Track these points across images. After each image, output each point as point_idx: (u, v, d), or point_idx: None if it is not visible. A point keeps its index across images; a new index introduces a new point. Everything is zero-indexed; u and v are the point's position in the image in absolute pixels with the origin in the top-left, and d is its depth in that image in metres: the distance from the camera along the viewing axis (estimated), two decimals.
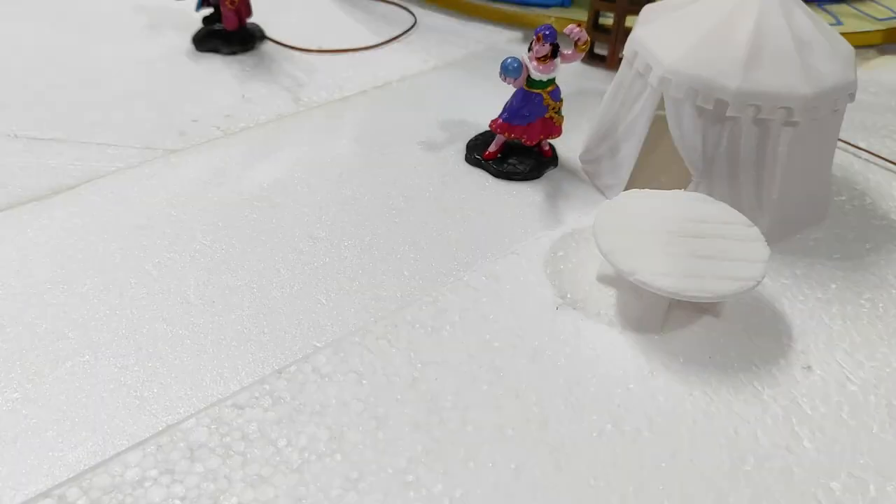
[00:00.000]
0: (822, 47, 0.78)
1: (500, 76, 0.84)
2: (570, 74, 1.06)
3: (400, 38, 1.16)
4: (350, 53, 1.12)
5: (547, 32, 0.83)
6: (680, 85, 0.77)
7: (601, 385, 0.67)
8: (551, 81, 0.86)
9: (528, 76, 0.85)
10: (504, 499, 0.59)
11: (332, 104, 1.01)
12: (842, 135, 0.99)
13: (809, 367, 0.70)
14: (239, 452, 0.60)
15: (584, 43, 0.84)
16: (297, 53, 1.11)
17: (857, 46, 1.20)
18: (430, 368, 0.68)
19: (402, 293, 0.74)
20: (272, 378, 0.66)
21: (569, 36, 0.84)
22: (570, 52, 0.85)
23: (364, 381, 0.66)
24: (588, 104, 1.03)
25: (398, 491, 0.59)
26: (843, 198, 0.90)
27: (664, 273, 0.69)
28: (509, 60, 0.83)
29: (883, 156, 0.96)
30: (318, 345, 0.69)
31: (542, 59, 0.84)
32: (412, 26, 1.20)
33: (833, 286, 0.79)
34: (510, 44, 1.17)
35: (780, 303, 0.76)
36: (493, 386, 0.67)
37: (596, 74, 1.11)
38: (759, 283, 0.69)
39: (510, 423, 0.64)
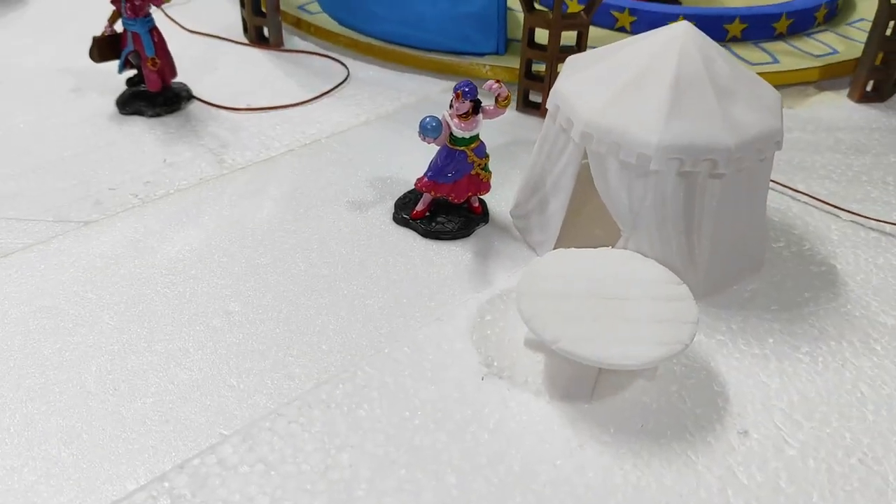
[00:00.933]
0: (745, 96, 0.76)
1: (420, 136, 0.82)
2: (505, 123, 1.04)
3: (332, 93, 1.14)
4: (280, 110, 1.09)
5: (466, 89, 0.80)
6: (601, 140, 0.75)
7: (526, 462, 0.64)
8: (475, 138, 0.84)
9: (451, 133, 0.83)
10: None
11: (257, 165, 0.97)
12: (780, 177, 0.97)
13: (746, 432, 0.67)
14: None
15: (505, 99, 0.82)
16: (224, 113, 1.08)
17: (794, 84, 1.20)
18: (344, 454, 0.64)
19: (319, 370, 0.70)
20: (172, 473, 0.61)
21: (489, 91, 0.81)
22: (491, 107, 0.83)
23: (272, 472, 0.62)
24: (521, 154, 1.00)
25: None
26: (781, 244, 0.88)
27: (588, 339, 0.65)
28: (427, 119, 0.81)
29: (821, 198, 0.94)
30: (225, 433, 0.65)
31: (463, 117, 0.81)
32: (345, 79, 1.17)
33: (770, 340, 0.76)
34: (444, 94, 1.15)
35: (715, 361, 0.73)
36: (411, 469, 0.63)
37: (530, 123, 1.09)
38: (687, 346, 0.66)
39: None
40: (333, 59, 1.23)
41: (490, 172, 0.87)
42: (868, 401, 0.70)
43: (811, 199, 0.94)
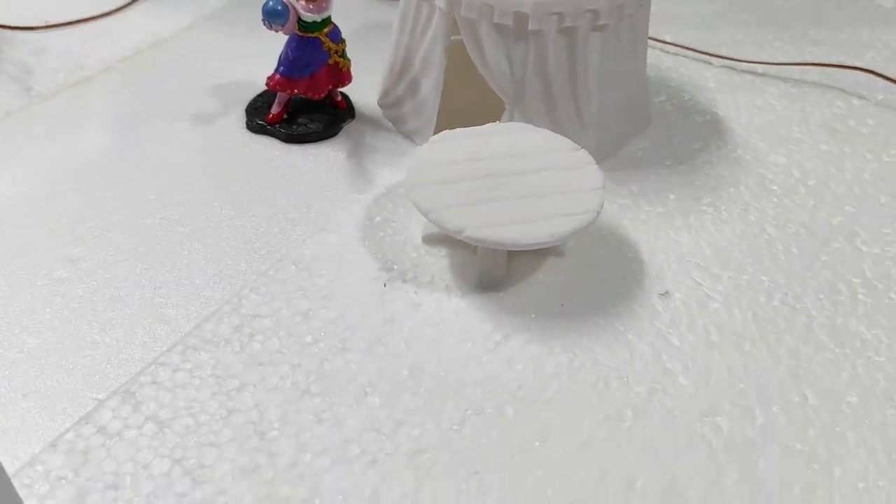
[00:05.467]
0: None
1: (264, 23, 0.71)
2: (349, 7, 0.94)
3: None
4: (86, 24, 0.94)
5: None
6: (472, 4, 0.67)
7: (449, 366, 0.58)
8: (327, 21, 0.74)
9: (299, 20, 0.72)
10: None
11: (72, 89, 0.83)
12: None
13: (667, 293, 0.64)
14: None
15: None
16: (20, 34, 0.92)
17: None
18: (245, 393, 0.55)
19: (197, 307, 0.61)
20: (45, 455, 0.51)
21: None
22: None
23: (166, 430, 0.53)
24: (377, 40, 0.91)
25: None
26: (662, 98, 0.84)
27: (495, 223, 0.59)
28: (271, 4, 0.70)
29: (689, 46, 0.91)
30: (100, 397, 0.55)
31: None
32: None
33: (671, 197, 0.72)
34: None
35: (622, 226, 0.69)
36: (327, 397, 0.55)
37: (379, 5, 0.99)
38: (598, 214, 0.61)
39: (355, 440, 0.53)
40: None
41: (349, 60, 0.77)
42: (776, 241, 0.69)
43: (681, 48, 0.91)
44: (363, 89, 0.82)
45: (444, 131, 0.68)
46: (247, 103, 0.81)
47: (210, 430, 0.53)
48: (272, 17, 0.70)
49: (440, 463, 0.52)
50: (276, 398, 0.55)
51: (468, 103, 0.76)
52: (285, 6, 0.70)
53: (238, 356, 0.57)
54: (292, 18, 0.72)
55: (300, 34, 0.73)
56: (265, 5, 0.70)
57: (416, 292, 0.63)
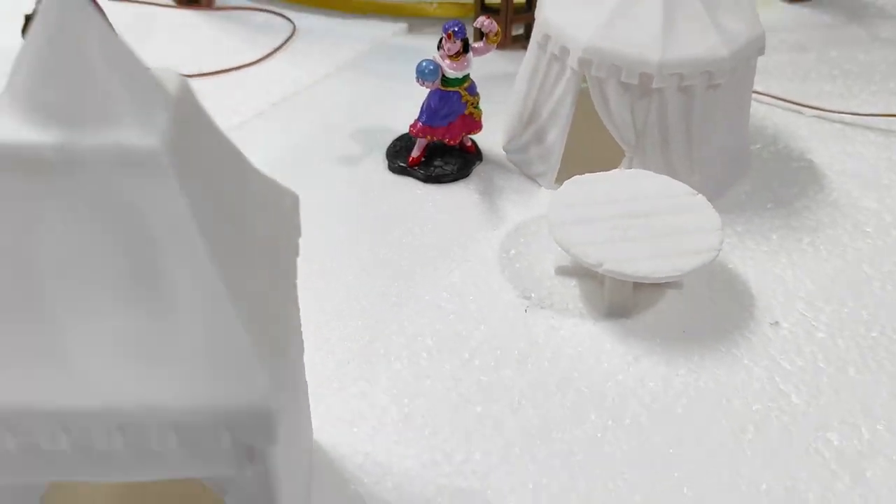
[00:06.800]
0: (727, 5, 0.79)
1: (417, 81, 0.81)
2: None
3: (283, 48, 1.11)
4: (232, 73, 1.05)
5: (456, 29, 0.80)
6: (601, 64, 0.77)
7: (591, 382, 0.67)
8: (466, 77, 0.84)
9: (443, 75, 0.83)
10: None
11: (230, 134, 0.94)
12: None
13: (777, 323, 0.72)
14: None
15: (496, 34, 0.82)
16: None
17: None
18: (418, 403, 0.65)
19: (362, 324, 0.71)
20: None
21: (479, 29, 0.82)
22: (481, 45, 0.83)
23: (354, 429, 0.62)
24: (494, 89, 1.00)
25: None
26: (759, 145, 0.93)
27: (629, 259, 0.68)
28: (425, 63, 0.80)
29: (780, 96, 1.00)
30: None
31: (454, 57, 0.81)
32: (292, 33, 1.14)
33: (774, 237, 0.81)
34: (397, 37, 1.14)
35: (732, 263, 0.78)
36: (487, 406, 0.65)
37: (492, 56, 1.09)
38: (719, 252, 0.70)
39: (516, 442, 0.62)
40: (273, 12, 1.19)
41: (481, 111, 0.87)
42: (873, 278, 0.76)
43: (773, 99, 1.00)
44: (485, 136, 0.92)
45: (574, 176, 0.77)
46: (385, 147, 0.91)
47: (394, 430, 0.62)
48: (427, 76, 0.80)
49: (590, 464, 0.61)
50: (444, 406, 0.64)
51: (589, 150, 0.86)
52: (437, 66, 0.80)
53: (408, 371, 0.67)
54: (439, 75, 0.82)
55: (442, 88, 0.84)
56: (420, 66, 0.80)
57: (553, 317, 0.72)
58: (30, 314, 0.36)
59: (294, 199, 0.48)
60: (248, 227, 0.42)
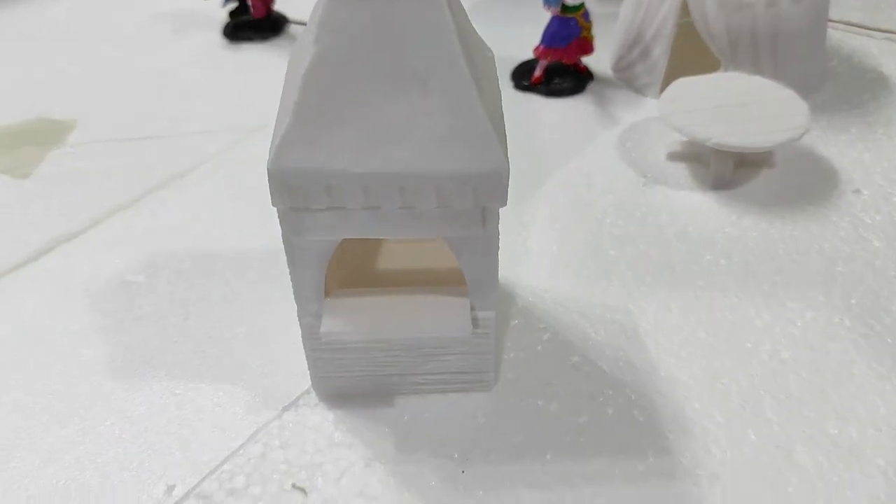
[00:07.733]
0: None
1: (544, 6, 0.97)
2: None
3: None
4: None
5: None
6: None
7: (703, 232, 0.81)
8: (582, 5, 0.99)
9: (563, 3, 0.98)
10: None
11: None
12: None
13: (858, 191, 0.86)
14: None
15: None
16: None
17: None
18: (566, 248, 0.80)
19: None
20: None
21: None
22: None
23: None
24: (596, 20, 1.16)
25: None
26: (834, 62, 1.06)
27: (733, 134, 0.83)
28: None
29: (853, 22, 1.13)
30: None
31: None
32: None
33: (853, 129, 0.94)
34: None
35: (816, 147, 0.92)
36: (619, 250, 0.80)
37: None
38: (807, 130, 0.84)
39: (645, 276, 0.77)
40: None
41: (594, 35, 1.03)
42: None
43: (847, 25, 1.13)
44: (593, 59, 1.07)
45: (679, 78, 0.92)
46: (510, 70, 1.07)
47: (550, 265, 0.78)
48: (551, 2, 0.96)
49: (710, 286, 0.75)
50: (586, 251, 0.80)
51: (688, 65, 1.00)
52: None
53: (554, 227, 0.83)
54: (561, 1, 0.98)
55: (561, 15, 0.99)
56: None
57: (668, 190, 0.87)
58: (358, 109, 0.52)
59: (490, 51, 0.64)
60: (476, 54, 0.58)
